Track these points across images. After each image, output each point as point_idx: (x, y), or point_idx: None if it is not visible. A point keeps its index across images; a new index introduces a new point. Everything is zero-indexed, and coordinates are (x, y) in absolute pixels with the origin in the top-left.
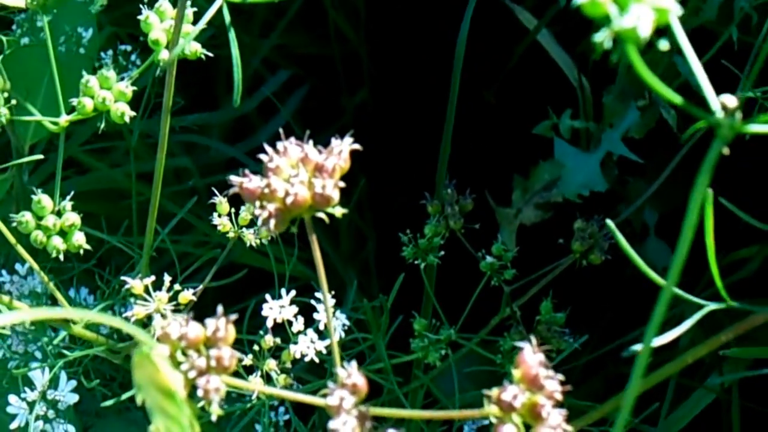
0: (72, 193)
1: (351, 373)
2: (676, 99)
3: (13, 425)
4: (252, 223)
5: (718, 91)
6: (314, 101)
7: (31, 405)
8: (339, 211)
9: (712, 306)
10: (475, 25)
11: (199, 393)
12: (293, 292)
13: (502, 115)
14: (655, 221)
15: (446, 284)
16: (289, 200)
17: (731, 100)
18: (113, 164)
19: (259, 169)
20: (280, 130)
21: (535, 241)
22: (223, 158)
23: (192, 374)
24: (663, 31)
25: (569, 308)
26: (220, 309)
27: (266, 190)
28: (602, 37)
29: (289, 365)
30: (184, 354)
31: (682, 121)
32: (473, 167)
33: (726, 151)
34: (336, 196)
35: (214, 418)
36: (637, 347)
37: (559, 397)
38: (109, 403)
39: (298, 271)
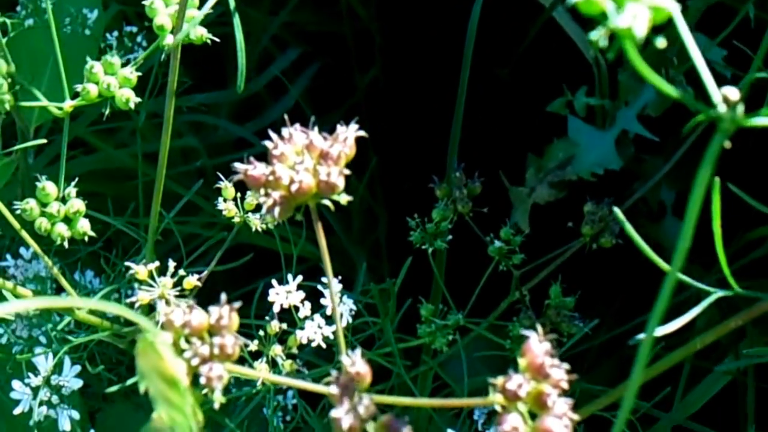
0: (77, 179)
1: (355, 361)
2: (673, 93)
3: (17, 411)
4: (258, 208)
5: (736, 67)
6: (325, 79)
7: (35, 390)
8: (344, 199)
9: (719, 293)
10: (490, 1)
11: (202, 381)
12: (300, 278)
13: (516, 92)
14: (673, 200)
15: (455, 268)
16: (293, 188)
17: (733, 93)
18: (120, 144)
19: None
20: (286, 117)
21: (547, 223)
22: (231, 138)
23: (195, 362)
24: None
25: (579, 291)
26: (223, 296)
27: (271, 178)
28: (597, 36)
29: (295, 350)
30: (188, 341)
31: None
32: (487, 146)
33: (728, 144)
34: (341, 183)
35: (216, 406)
36: (642, 336)
37: (565, 386)
38: (114, 388)
39: (307, 251)
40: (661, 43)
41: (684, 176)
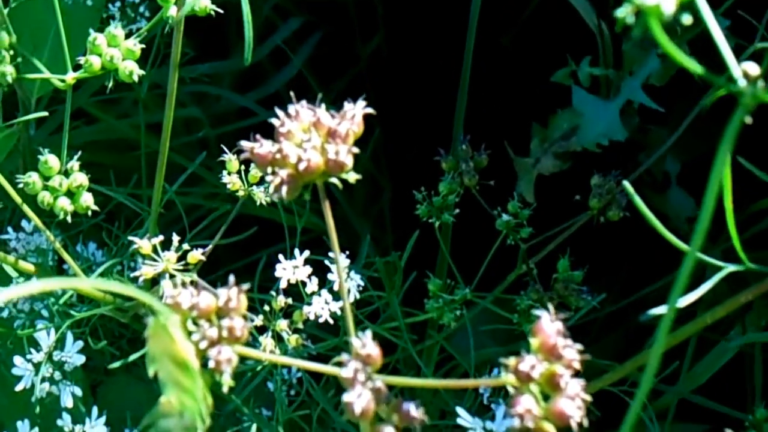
0: (80, 153)
1: (366, 343)
2: (697, 69)
3: (19, 387)
4: (262, 180)
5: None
6: (327, 49)
7: (37, 366)
8: (353, 177)
9: (730, 268)
10: None
11: (211, 364)
12: (307, 252)
13: (519, 62)
14: (678, 170)
15: (461, 241)
16: (301, 166)
17: (753, 68)
18: (122, 115)
19: (271, 117)
20: (292, 94)
21: (552, 195)
22: (234, 107)
23: (203, 345)
24: None
25: (587, 263)
26: (232, 278)
27: (278, 156)
28: (624, 12)
29: (301, 325)
30: (195, 324)
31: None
32: (490, 116)
33: (749, 120)
34: (350, 161)
35: (225, 389)
36: (657, 310)
37: (577, 366)
38: (117, 365)
39: (311, 222)
40: (687, 20)
41: (689, 147)
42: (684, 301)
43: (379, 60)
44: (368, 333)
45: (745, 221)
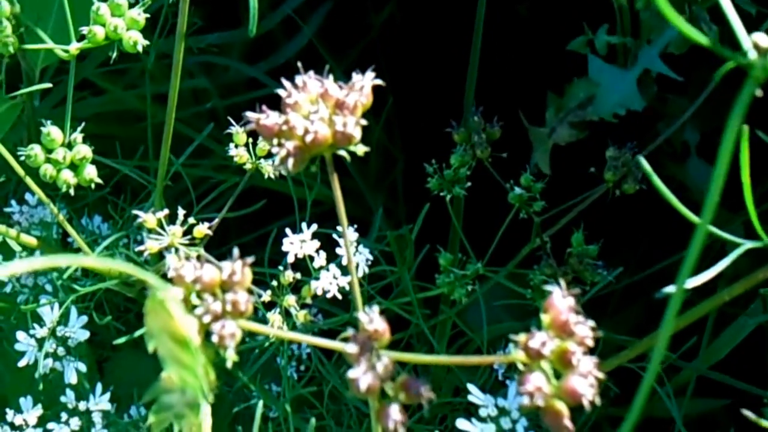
0: (84, 122)
1: (373, 318)
2: (703, 40)
3: (22, 363)
4: (271, 153)
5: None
6: (339, 17)
7: (41, 342)
8: (361, 149)
9: (748, 244)
10: None
11: (214, 339)
12: (314, 226)
13: (535, 30)
14: (697, 140)
15: (474, 214)
16: (308, 138)
17: (764, 40)
18: (128, 86)
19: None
20: (300, 65)
21: (567, 167)
22: (243, 78)
23: (207, 319)
24: None
25: (603, 237)
26: (236, 251)
27: (284, 128)
28: None
29: (309, 300)
30: (199, 297)
31: (724, 36)
32: (505, 85)
33: (759, 93)
34: (358, 134)
35: (229, 364)
36: (669, 289)
37: (590, 343)
38: (122, 340)
39: (322, 194)
40: None
41: (709, 116)
42: (699, 280)
43: (392, 29)
44: (375, 308)
45: (765, 195)
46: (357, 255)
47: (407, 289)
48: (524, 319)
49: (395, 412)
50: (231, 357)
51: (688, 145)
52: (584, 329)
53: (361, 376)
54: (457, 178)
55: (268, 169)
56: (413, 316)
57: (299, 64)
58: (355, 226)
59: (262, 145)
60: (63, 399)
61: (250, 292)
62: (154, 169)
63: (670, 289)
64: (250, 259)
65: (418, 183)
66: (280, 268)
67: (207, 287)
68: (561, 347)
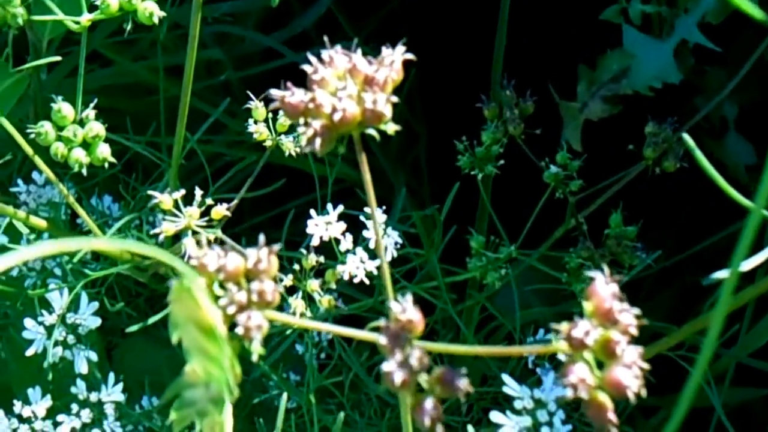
0: (95, 100)
1: (406, 308)
2: (756, 13)
3: (29, 352)
4: (291, 129)
5: None
6: None
7: (50, 329)
8: (392, 128)
9: None
10: None
11: (239, 330)
12: (341, 207)
13: None
14: (736, 115)
15: (503, 194)
16: (336, 116)
17: None
18: (139, 57)
19: (298, 59)
20: (328, 41)
21: (603, 144)
22: (258, 49)
23: (231, 310)
24: None
25: (641, 218)
26: (262, 238)
27: (311, 106)
28: None
29: (333, 285)
30: (222, 287)
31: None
32: (534, 57)
33: None
34: (389, 111)
35: (255, 357)
36: (718, 275)
37: (634, 332)
38: (134, 328)
39: (342, 172)
40: None
41: (749, 90)
42: (746, 266)
43: None
44: (409, 296)
45: None
46: (385, 238)
47: (435, 273)
48: (554, 304)
49: (431, 407)
50: (257, 349)
51: (726, 120)
52: (629, 317)
53: (396, 370)
54: (488, 155)
55: (288, 146)
56: (440, 300)
57: (325, 38)
58: (383, 207)
59: (282, 121)
60: (73, 389)
61: (276, 280)
62: (166, 145)
63: (720, 274)
64: (276, 247)
65: (443, 161)
66: (302, 251)
67: (231, 276)
68: (604, 336)
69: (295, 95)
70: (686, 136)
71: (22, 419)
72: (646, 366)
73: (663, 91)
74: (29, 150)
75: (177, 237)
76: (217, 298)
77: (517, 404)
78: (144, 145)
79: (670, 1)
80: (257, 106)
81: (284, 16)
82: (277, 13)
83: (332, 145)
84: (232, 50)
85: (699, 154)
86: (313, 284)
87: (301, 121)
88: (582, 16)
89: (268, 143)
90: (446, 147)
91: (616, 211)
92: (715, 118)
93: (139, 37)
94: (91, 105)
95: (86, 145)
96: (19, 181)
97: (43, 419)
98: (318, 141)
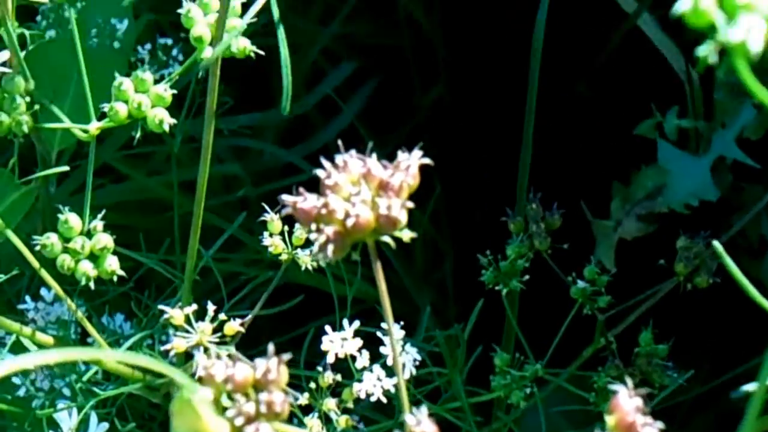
0: (104, 210)
1: (421, 421)
2: None
3: None
4: (308, 243)
5: None
6: (382, 98)
7: None
8: (407, 236)
9: None
10: (567, 7)
11: None
12: (356, 323)
13: (597, 111)
14: None
15: (531, 311)
16: (349, 222)
17: None
18: (153, 172)
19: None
20: (340, 143)
21: (633, 259)
22: (278, 164)
23: (239, 421)
24: None
25: (673, 338)
26: (271, 347)
27: (323, 211)
28: (706, 51)
29: (351, 404)
30: (230, 398)
31: None
32: (564, 173)
33: None
34: (404, 217)
35: None
36: (749, 387)
37: None
38: None
39: (362, 291)
40: None
41: None
42: None
43: (440, 111)
44: (423, 409)
45: None
46: (403, 354)
47: (458, 393)
48: (584, 426)
49: None
50: None
51: (765, 239)
52: None
53: None
54: (513, 270)
55: (305, 260)
56: (464, 422)
57: (339, 142)
58: (401, 323)
59: (299, 234)
60: None
61: (286, 392)
62: (180, 263)
63: (750, 386)
64: (286, 356)
65: (469, 279)
66: (319, 369)
67: (239, 387)
68: None
69: (308, 200)
70: (719, 246)
71: None
72: None
73: (699, 208)
74: (36, 264)
75: (191, 355)
76: (224, 409)
77: None
78: (157, 261)
79: (707, 115)
80: (272, 219)
81: (305, 130)
82: (298, 127)
83: (345, 252)
84: (251, 165)
85: (731, 265)
86: (330, 403)
87: (314, 227)
88: (614, 130)
89: (284, 257)
90: (473, 265)
91: (646, 329)
92: (753, 237)
93: (154, 150)
94: (99, 216)
95: (94, 257)
96: (27, 298)
97: None
98: (330, 247)
